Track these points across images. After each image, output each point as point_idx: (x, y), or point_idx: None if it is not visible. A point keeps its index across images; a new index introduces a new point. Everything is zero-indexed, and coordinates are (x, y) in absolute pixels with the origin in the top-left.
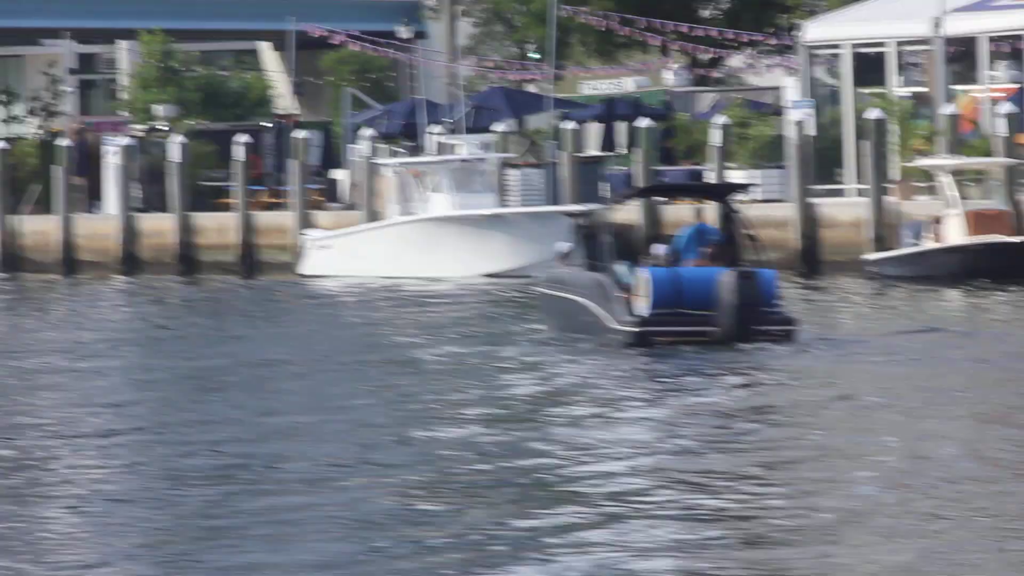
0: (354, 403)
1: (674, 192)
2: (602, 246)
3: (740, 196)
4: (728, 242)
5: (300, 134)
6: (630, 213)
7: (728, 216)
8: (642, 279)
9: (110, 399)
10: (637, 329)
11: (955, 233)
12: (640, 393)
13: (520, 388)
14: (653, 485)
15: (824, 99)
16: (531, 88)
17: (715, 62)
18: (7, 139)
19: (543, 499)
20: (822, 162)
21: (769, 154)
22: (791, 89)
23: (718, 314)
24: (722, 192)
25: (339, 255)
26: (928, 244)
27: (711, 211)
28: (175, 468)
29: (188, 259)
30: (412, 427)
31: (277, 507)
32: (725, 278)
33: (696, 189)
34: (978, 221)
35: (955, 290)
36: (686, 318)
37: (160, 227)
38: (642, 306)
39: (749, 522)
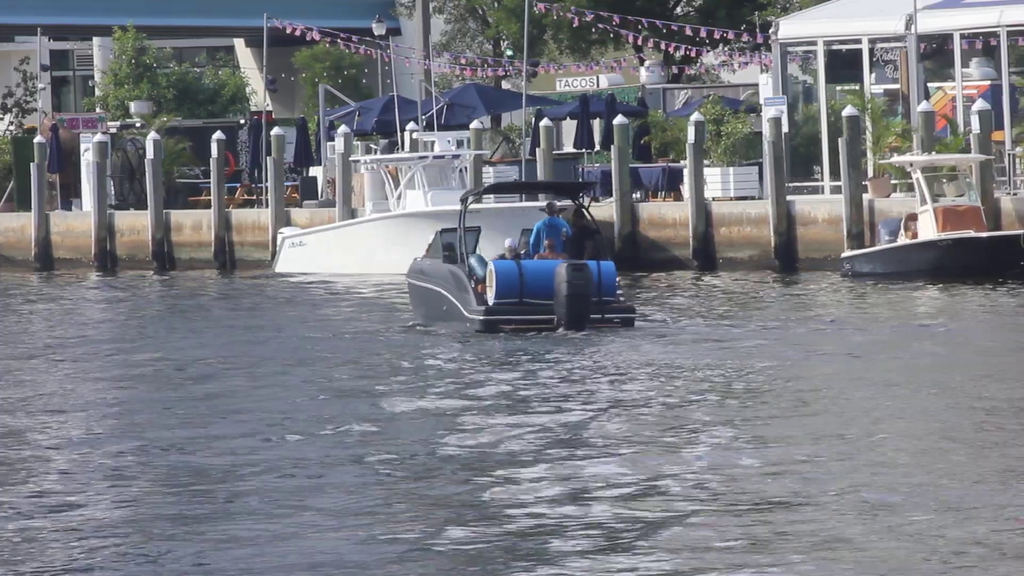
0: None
1: (524, 190)
2: (460, 240)
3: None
4: (577, 237)
5: (275, 131)
6: (606, 210)
7: (578, 212)
8: (489, 271)
9: (71, 397)
10: (483, 318)
11: (927, 230)
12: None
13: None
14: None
15: (798, 96)
16: (505, 85)
17: (689, 59)
18: None
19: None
20: (797, 159)
21: (744, 151)
22: (765, 86)
23: (554, 304)
24: (571, 190)
25: (314, 252)
26: (901, 240)
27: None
28: (137, 468)
29: (164, 256)
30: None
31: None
32: (559, 270)
33: (545, 187)
34: (948, 217)
35: (905, 287)
36: (527, 308)
37: (136, 224)
38: (490, 296)
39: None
